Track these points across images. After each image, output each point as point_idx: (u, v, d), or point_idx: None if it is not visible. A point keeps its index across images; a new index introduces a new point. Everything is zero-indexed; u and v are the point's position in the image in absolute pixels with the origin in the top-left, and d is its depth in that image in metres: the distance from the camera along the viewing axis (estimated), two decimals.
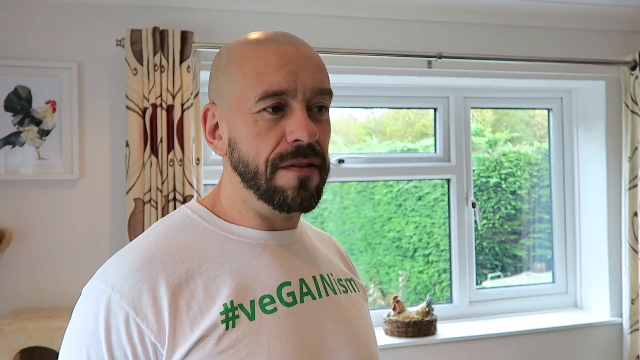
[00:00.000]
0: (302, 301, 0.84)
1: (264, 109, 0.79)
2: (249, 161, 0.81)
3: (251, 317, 0.78)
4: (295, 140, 0.79)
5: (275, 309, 0.80)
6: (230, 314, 0.77)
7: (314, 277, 0.88)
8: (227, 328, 0.76)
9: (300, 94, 0.79)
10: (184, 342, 0.74)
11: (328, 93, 0.83)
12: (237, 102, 0.81)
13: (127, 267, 0.78)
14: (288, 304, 0.82)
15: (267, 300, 0.81)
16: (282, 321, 0.80)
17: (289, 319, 0.81)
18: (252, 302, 0.79)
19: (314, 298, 0.86)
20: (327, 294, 0.89)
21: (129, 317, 0.74)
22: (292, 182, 0.80)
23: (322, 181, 0.84)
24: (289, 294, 0.83)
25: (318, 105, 0.82)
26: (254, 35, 0.84)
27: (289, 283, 0.84)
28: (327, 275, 0.92)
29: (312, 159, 0.81)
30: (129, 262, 0.79)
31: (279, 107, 0.79)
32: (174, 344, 0.74)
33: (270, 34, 0.83)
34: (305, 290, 0.86)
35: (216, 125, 0.86)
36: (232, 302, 0.78)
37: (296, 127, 0.79)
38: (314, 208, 0.83)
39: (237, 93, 0.81)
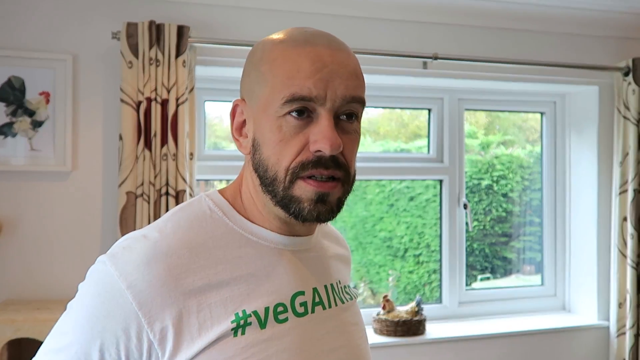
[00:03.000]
0: (312, 311, 0.83)
1: (289, 113, 0.76)
2: (268, 166, 0.78)
3: (263, 325, 0.76)
4: (318, 150, 0.76)
5: (286, 319, 0.79)
6: (242, 322, 0.75)
7: (325, 287, 0.87)
8: (235, 335, 0.74)
9: (329, 102, 0.76)
10: (190, 345, 0.73)
11: (360, 102, 0.79)
12: (265, 103, 0.78)
13: (141, 256, 0.75)
14: (299, 315, 0.81)
15: (280, 309, 0.79)
16: (292, 332, 0.78)
17: (299, 329, 0.79)
18: (266, 310, 0.78)
19: (324, 308, 0.85)
20: (336, 304, 0.87)
21: (131, 308, 0.72)
22: (309, 195, 0.77)
23: (345, 193, 0.81)
24: (301, 304, 0.82)
25: (347, 113, 0.78)
26: (291, 32, 0.80)
27: (302, 293, 0.82)
28: (336, 283, 0.91)
29: (334, 172, 0.77)
30: (144, 251, 0.75)
31: (303, 111, 0.76)
32: (178, 346, 0.72)
33: (309, 33, 0.79)
34: (317, 300, 0.84)
35: (244, 122, 0.83)
36: (244, 311, 0.76)
37: (320, 137, 0.75)
38: (332, 220, 0.80)
39: (266, 94, 0.78)
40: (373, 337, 2.54)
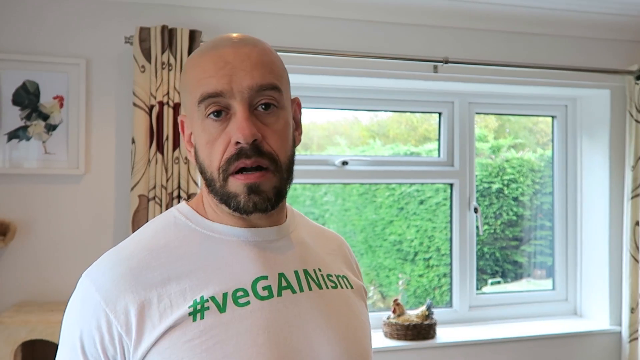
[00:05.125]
0: (279, 294, 0.85)
1: (208, 116, 0.82)
2: (205, 168, 0.85)
3: (222, 309, 0.80)
4: (237, 143, 0.80)
5: (248, 302, 0.82)
6: (199, 307, 0.80)
7: (295, 272, 0.88)
8: (194, 319, 0.79)
9: (238, 95, 0.81)
10: (151, 333, 0.78)
11: (272, 88, 0.82)
12: (190, 111, 0.86)
13: (107, 262, 0.84)
14: (262, 298, 0.83)
15: (240, 293, 0.82)
16: (254, 314, 0.81)
17: (262, 312, 0.82)
18: (224, 295, 0.81)
19: (294, 292, 0.86)
20: (310, 289, 0.88)
21: (99, 307, 0.79)
22: (241, 189, 0.82)
23: (282, 182, 0.84)
24: (264, 288, 0.84)
25: (264, 103, 0.82)
26: (206, 43, 0.89)
27: (265, 277, 0.85)
28: (314, 270, 0.92)
29: (258, 160, 0.81)
30: (110, 259, 0.85)
31: (220, 112, 0.81)
32: (140, 335, 0.78)
33: (218, 39, 0.86)
34: (284, 284, 0.86)
35: (191, 135, 0.90)
36: (202, 297, 0.81)
37: (235, 129, 0.80)
38: (272, 210, 0.84)
39: (189, 101, 0.85)
40: (383, 341, 2.54)
